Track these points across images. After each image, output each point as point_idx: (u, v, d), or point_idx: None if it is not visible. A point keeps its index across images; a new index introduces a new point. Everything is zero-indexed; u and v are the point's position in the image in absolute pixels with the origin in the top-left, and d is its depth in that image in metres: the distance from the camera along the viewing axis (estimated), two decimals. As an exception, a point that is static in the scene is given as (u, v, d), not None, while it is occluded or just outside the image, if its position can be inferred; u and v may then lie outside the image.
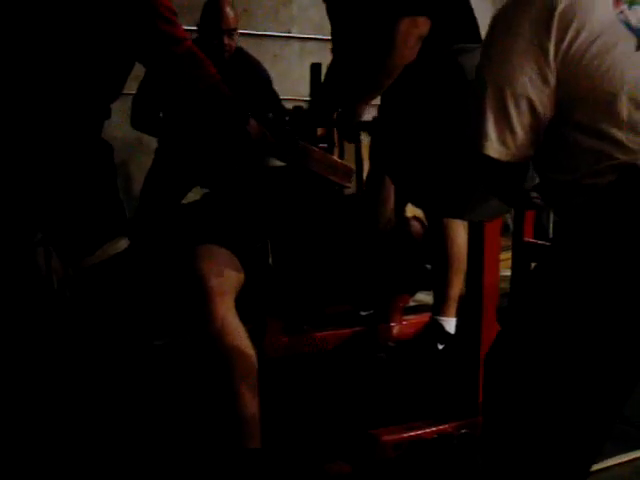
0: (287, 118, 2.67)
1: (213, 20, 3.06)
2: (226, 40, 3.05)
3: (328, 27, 2.77)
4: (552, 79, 1.29)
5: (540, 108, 1.30)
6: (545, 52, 1.28)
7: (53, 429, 2.16)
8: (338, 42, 2.77)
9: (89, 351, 2.17)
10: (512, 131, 1.31)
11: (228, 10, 3.06)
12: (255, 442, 1.95)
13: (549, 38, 1.28)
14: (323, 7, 2.77)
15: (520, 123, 1.31)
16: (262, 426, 1.97)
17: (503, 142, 1.32)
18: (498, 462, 1.35)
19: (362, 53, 2.56)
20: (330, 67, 2.83)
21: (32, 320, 2.18)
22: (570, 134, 1.29)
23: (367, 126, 2.44)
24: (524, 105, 1.30)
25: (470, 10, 2.55)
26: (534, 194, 1.43)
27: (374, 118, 2.48)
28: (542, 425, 1.28)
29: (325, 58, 3.25)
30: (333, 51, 2.76)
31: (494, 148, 1.32)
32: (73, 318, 2.39)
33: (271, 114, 2.59)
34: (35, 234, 2.16)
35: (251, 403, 1.96)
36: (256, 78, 3.17)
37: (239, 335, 1.98)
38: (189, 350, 2.29)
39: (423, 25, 2.38)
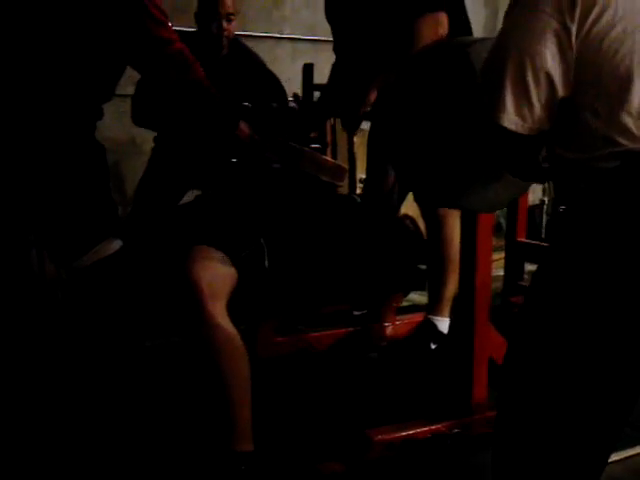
0: (293, 105, 2.64)
1: (211, 4, 3.07)
2: (224, 24, 3.05)
3: (320, 28, 2.75)
4: (571, 57, 1.28)
5: (558, 84, 1.29)
6: (568, 30, 1.26)
7: (46, 430, 2.16)
8: (341, 41, 2.74)
9: (81, 352, 2.17)
10: (530, 104, 1.30)
11: None
12: (247, 443, 1.96)
13: (573, 15, 1.26)
14: (315, 8, 2.76)
15: (538, 97, 1.29)
16: (256, 426, 1.97)
17: (520, 114, 1.30)
18: (510, 460, 1.35)
19: (373, 48, 2.51)
20: (335, 66, 2.80)
21: (24, 322, 2.18)
22: (581, 114, 1.28)
23: (369, 115, 2.43)
24: (543, 79, 1.28)
25: (463, 8, 2.55)
26: (545, 164, 1.42)
27: (375, 102, 2.45)
28: (555, 425, 1.27)
29: (317, 59, 3.25)
30: (335, 50, 2.72)
31: (510, 120, 1.30)
32: (64, 320, 2.39)
33: (275, 104, 2.58)
34: (28, 236, 2.15)
35: (243, 405, 1.96)
36: (257, 68, 3.16)
37: (231, 338, 1.98)
38: (183, 350, 2.29)
39: (444, 22, 2.35)
